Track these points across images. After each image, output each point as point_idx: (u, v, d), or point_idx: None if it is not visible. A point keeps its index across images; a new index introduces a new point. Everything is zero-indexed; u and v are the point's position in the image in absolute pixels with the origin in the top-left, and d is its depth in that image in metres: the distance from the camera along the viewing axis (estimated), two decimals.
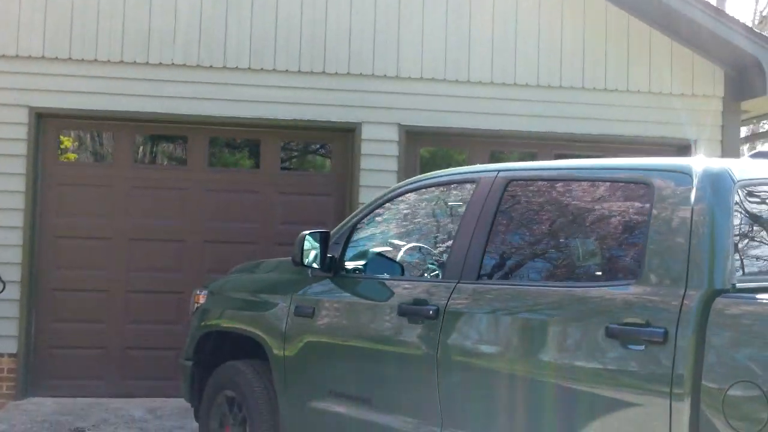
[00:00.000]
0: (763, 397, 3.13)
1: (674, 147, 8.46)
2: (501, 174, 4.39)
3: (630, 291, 3.60)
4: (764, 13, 20.68)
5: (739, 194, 3.56)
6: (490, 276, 4.30)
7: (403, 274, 4.91)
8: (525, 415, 3.92)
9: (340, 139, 8.52)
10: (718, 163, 3.70)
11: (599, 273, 3.90)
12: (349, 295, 4.94)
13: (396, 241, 5.07)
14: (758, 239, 3.69)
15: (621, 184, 3.94)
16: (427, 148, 8.92)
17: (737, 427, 3.20)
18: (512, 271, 4.33)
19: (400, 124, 8.31)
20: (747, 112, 8.88)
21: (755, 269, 3.65)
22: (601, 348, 3.61)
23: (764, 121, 12.68)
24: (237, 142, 9.06)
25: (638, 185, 3.79)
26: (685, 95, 8.47)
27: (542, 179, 4.32)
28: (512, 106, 8.40)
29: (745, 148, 13.68)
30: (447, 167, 8.62)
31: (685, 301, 3.40)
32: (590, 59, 8.47)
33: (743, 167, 3.70)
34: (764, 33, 9.10)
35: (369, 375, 4.74)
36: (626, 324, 3.54)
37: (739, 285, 3.43)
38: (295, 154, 9.51)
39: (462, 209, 4.55)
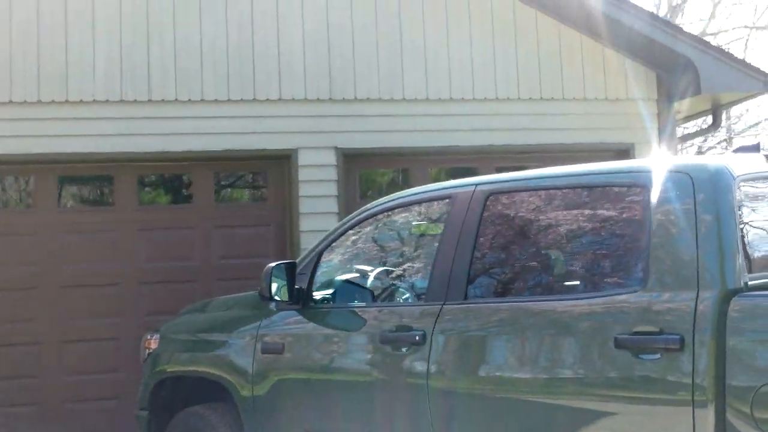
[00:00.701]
0: None
1: (613, 152, 8.43)
2: (479, 187, 4.21)
3: (637, 299, 3.45)
4: (673, 3, 20.92)
5: (739, 190, 3.46)
6: (479, 295, 4.11)
7: (376, 300, 4.69)
8: None
9: (276, 167, 8.25)
10: (715, 161, 3.60)
11: (600, 283, 3.73)
12: (322, 326, 4.69)
13: (367, 267, 4.85)
14: (761, 234, 3.59)
15: (615, 188, 3.80)
16: (366, 170, 8.72)
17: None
18: (503, 288, 4.14)
19: (337, 148, 8.10)
20: (679, 113, 8.95)
21: (761, 265, 3.55)
22: (611, 361, 3.46)
23: (687, 124, 12.86)
24: (167, 177, 8.70)
25: (634, 188, 3.66)
26: (620, 99, 8.48)
27: (525, 189, 4.14)
28: (449, 122, 8.27)
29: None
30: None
31: (699, 305, 3.27)
32: (523, 70, 8.41)
33: (738, 162, 3.61)
34: (674, 23, 9.21)
35: (350, 410, 4.50)
36: (637, 333, 3.39)
37: (751, 283, 3.32)
38: (230, 185, 9.18)
39: (439, 228, 4.36)
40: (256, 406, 4.88)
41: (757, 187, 3.64)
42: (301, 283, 4.76)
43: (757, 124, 20.88)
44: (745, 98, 9.36)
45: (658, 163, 3.72)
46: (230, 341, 5.15)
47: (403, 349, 4.15)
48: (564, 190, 3.99)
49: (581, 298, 3.68)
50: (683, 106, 8.71)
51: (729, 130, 20.71)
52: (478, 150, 8.34)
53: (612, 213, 3.77)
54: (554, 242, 4.01)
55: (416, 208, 4.70)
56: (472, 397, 3.92)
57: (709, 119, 10.33)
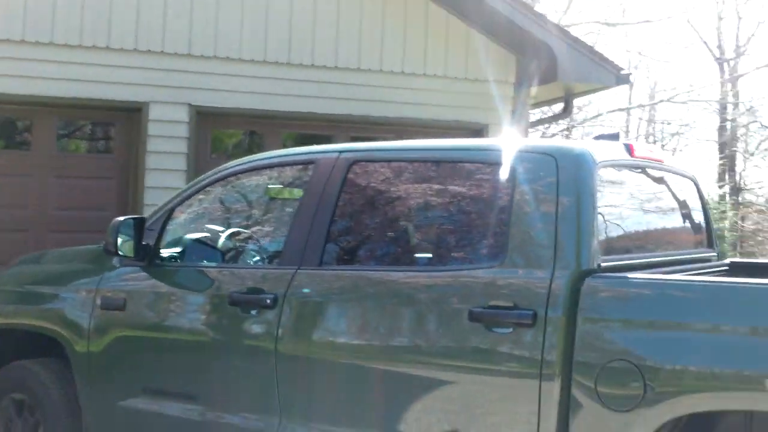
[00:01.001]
0: (638, 374, 3.13)
1: (468, 130, 8.53)
2: (343, 155, 4.13)
3: (494, 274, 3.48)
4: None
5: (599, 175, 3.53)
6: (334, 262, 4.05)
7: (227, 262, 4.55)
8: (375, 405, 3.72)
9: (125, 120, 7.95)
10: (579, 145, 3.68)
11: (459, 257, 3.75)
12: (167, 284, 4.50)
13: (220, 228, 4.69)
14: (616, 219, 3.69)
15: (479, 165, 3.82)
16: (219, 129, 8.50)
17: (611, 405, 3.19)
18: (360, 257, 4.09)
19: (191, 105, 7.86)
20: (533, 98, 9.13)
21: (615, 247, 3.68)
22: (463, 333, 3.48)
23: (535, 110, 13.18)
24: (4, 121, 8.22)
25: (498, 166, 3.67)
26: (479, 80, 8.56)
27: (390, 160, 4.10)
28: (309, 88, 8.16)
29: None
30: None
31: (553, 283, 3.33)
32: (389, 43, 8.38)
33: (600, 149, 3.70)
34: (535, 10, 9.39)
35: (193, 370, 4.35)
36: (491, 307, 3.42)
37: (603, 264, 3.41)
38: (71, 134, 8.76)
39: (296, 192, 4.27)
40: (91, 362, 4.67)
41: (614, 174, 3.76)
42: (148, 240, 4.55)
43: (598, 115, 21.71)
44: (597, 89, 9.66)
45: (523, 143, 3.77)
46: (68, 295, 4.89)
47: (253, 312, 4.05)
48: (430, 164, 3.98)
49: (441, 271, 3.69)
50: (537, 91, 8.88)
51: (571, 119, 21.43)
52: (335, 118, 8.28)
53: (475, 189, 3.79)
54: (413, 215, 3.99)
55: (277, 171, 4.57)
56: (318, 363, 3.87)
57: (557, 107, 10.62)
